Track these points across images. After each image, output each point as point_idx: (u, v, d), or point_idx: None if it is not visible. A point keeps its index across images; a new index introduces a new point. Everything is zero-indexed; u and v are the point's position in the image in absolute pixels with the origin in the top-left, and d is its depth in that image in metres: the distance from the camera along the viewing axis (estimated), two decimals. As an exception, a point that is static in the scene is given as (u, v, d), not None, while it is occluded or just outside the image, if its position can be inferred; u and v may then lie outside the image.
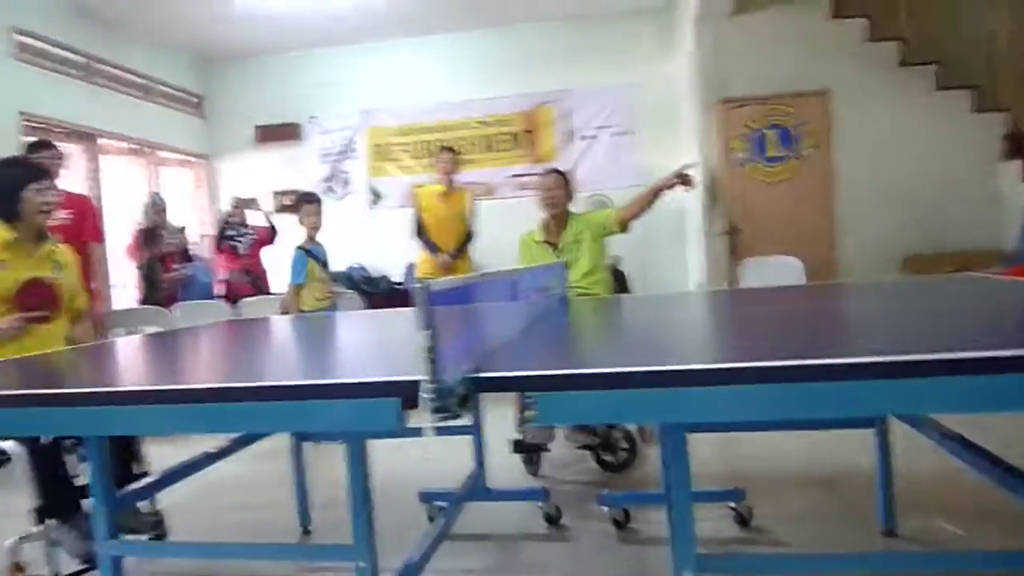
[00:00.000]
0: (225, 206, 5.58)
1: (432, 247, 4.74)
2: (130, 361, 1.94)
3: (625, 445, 3.20)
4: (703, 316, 2.19)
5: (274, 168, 7.28)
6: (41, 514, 2.23)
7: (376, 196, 7.19)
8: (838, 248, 5.61)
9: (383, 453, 3.52)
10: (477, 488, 2.59)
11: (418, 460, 3.54)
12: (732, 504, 2.51)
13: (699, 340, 1.72)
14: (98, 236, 4.22)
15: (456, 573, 2.28)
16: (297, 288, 4.02)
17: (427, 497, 2.68)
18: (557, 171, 3.71)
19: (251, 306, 4.72)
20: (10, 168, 2.70)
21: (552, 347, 1.58)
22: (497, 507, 2.75)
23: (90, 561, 2.26)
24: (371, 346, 1.97)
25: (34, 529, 2.22)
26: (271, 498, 3.07)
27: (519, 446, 3.15)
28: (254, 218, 5.60)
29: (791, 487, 2.87)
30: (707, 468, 3.08)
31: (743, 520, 2.49)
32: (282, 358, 1.90)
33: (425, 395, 0.95)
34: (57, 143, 5.49)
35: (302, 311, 4.02)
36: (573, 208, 3.69)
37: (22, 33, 5.21)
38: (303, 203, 4.19)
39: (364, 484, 1.47)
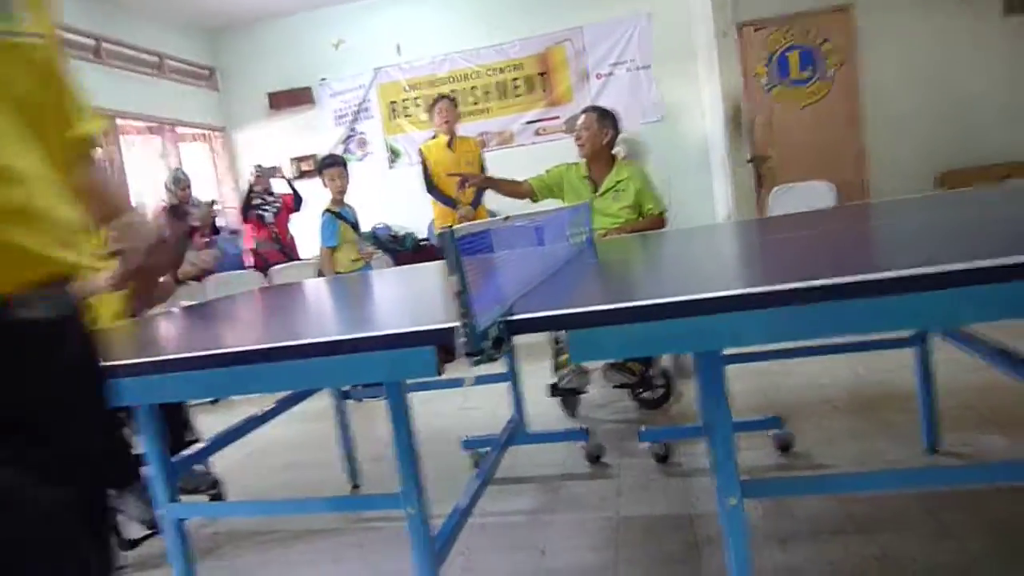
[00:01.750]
0: (247, 176, 5.61)
1: (447, 200, 4.67)
2: (172, 332, 1.99)
3: (661, 382, 3.21)
4: (733, 245, 2.16)
5: (290, 134, 7.27)
6: (104, 484, 2.33)
7: (394, 154, 7.16)
8: (870, 169, 5.47)
9: (422, 405, 3.60)
10: (518, 432, 2.63)
11: (457, 411, 3.61)
12: (772, 431, 2.52)
13: (730, 268, 1.70)
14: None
15: (504, 515, 2.34)
16: (330, 251, 4.04)
17: (470, 444, 2.74)
18: (595, 109, 3.55)
19: (282, 273, 4.78)
20: None
21: (582, 287, 1.57)
22: (539, 450, 2.80)
23: (154, 526, 2.38)
24: (405, 300, 1.98)
25: (99, 499, 2.33)
26: (318, 457, 3.17)
27: (556, 390, 3.19)
28: (278, 186, 5.63)
29: (833, 412, 2.87)
30: (747, 400, 3.10)
31: (784, 446, 2.50)
32: (319, 318, 1.93)
33: (460, 340, 0.96)
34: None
35: (338, 273, 4.05)
36: (619, 151, 3.61)
37: (30, 19, 5.21)
38: (325, 167, 4.18)
39: (407, 432, 1.50)
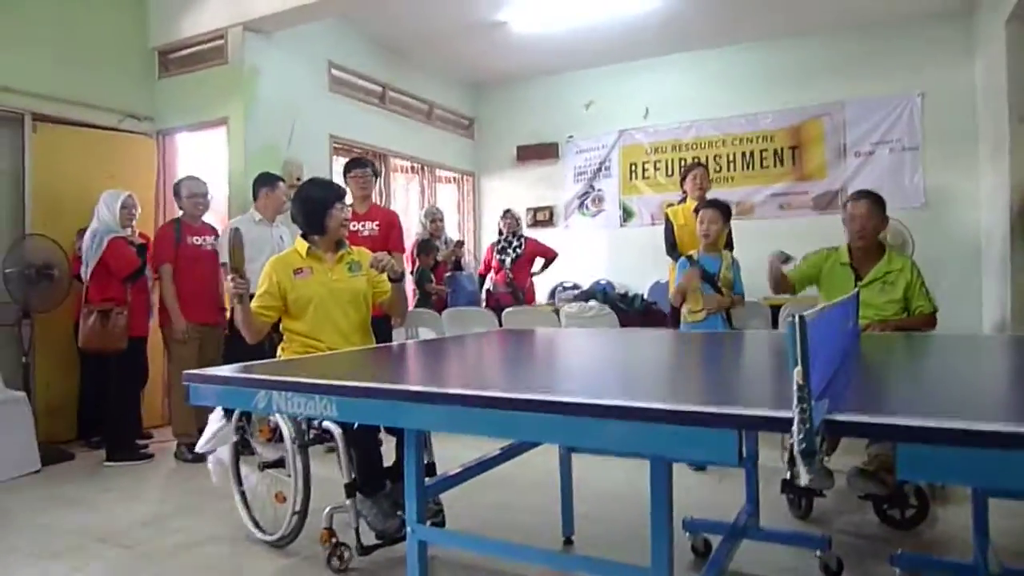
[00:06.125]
0: (493, 220, 5.97)
1: (689, 266, 4.59)
2: (440, 364, 2.13)
3: (915, 501, 2.84)
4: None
5: (531, 185, 7.68)
6: (350, 489, 2.53)
7: (627, 214, 7.24)
8: None
9: (635, 471, 3.51)
10: (749, 525, 2.46)
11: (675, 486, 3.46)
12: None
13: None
14: (401, 247, 4.63)
15: (730, 612, 2.18)
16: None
17: (694, 526, 2.60)
18: (869, 195, 3.34)
19: (511, 316, 4.97)
20: (320, 189, 3.01)
21: (894, 389, 1.44)
22: (764, 548, 2.59)
23: (384, 536, 2.53)
24: (682, 371, 1.94)
25: (346, 502, 2.53)
26: (531, 502, 3.19)
27: (790, 487, 2.95)
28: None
29: None
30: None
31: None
32: (585, 373, 1.95)
33: (797, 436, 0.90)
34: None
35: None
36: (890, 240, 3.36)
37: (335, 67, 6.05)
38: (700, 209, 3.94)
39: (667, 507, 1.46)
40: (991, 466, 0.94)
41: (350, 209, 3.05)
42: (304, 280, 2.86)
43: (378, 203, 6.40)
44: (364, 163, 4.60)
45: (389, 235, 4.45)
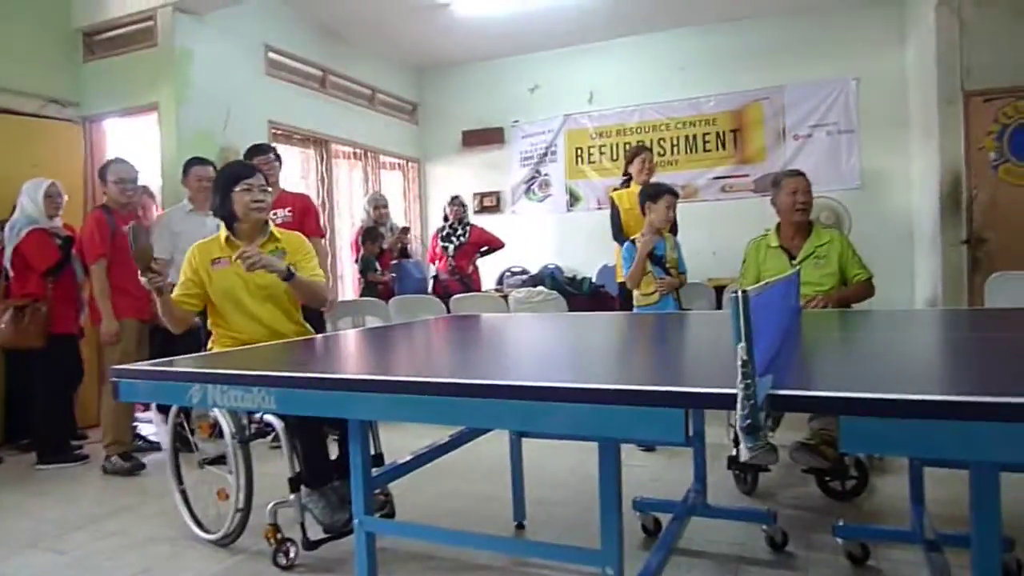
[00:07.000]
0: (439, 206, 5.89)
1: (635, 250, 4.61)
2: (384, 351, 2.07)
3: (855, 472, 2.93)
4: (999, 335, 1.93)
5: (477, 171, 7.61)
6: (295, 483, 2.46)
7: (574, 198, 7.26)
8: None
9: (584, 455, 3.53)
10: (697, 503, 2.49)
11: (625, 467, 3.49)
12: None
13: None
14: (319, 232, 4.39)
15: (680, 589, 2.20)
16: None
17: (643, 506, 2.62)
18: (801, 172, 3.46)
19: (459, 302, 4.92)
20: (224, 171, 2.86)
21: (835, 364, 1.45)
22: (712, 524, 2.63)
23: (331, 530, 2.47)
24: (632, 352, 1.94)
25: (290, 497, 2.46)
26: (484, 490, 3.17)
27: (735, 463, 3.00)
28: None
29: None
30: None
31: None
32: (523, 357, 1.93)
33: (741, 412, 0.89)
34: (298, 148, 6.11)
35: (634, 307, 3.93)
36: (823, 219, 3.48)
37: (272, 51, 5.86)
38: (650, 197, 3.89)
39: (616, 489, 1.45)
40: (929, 436, 0.95)
41: (263, 190, 2.79)
42: (221, 270, 2.70)
43: (315, 190, 6.26)
44: (265, 148, 4.30)
45: (304, 221, 4.17)
